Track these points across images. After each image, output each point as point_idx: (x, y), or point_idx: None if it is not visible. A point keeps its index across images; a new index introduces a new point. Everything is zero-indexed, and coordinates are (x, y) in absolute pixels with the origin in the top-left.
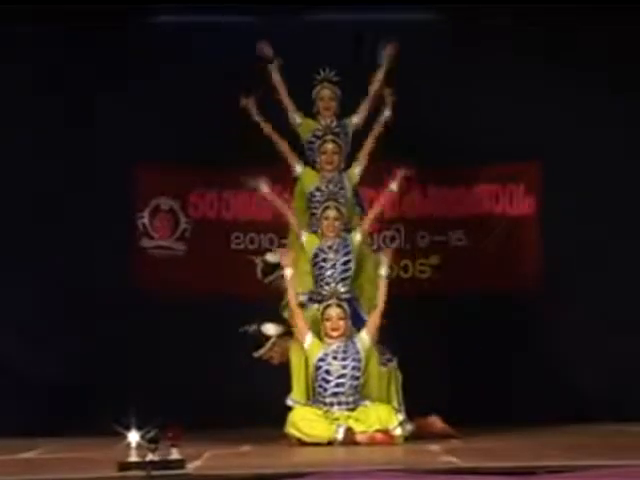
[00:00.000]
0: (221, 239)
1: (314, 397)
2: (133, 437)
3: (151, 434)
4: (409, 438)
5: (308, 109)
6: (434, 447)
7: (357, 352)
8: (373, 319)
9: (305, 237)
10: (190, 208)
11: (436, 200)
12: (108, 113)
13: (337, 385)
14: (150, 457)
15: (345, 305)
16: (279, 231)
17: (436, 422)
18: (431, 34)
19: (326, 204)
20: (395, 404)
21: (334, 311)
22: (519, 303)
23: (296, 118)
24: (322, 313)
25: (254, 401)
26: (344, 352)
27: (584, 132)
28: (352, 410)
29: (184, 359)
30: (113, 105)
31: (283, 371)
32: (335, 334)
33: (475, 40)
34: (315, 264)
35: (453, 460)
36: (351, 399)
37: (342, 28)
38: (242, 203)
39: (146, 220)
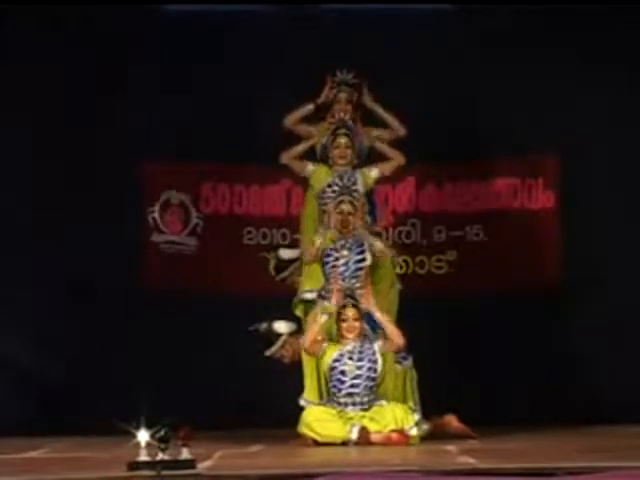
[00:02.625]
0: (233, 234)
1: (328, 397)
2: (143, 436)
3: (161, 433)
4: (425, 438)
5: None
6: (450, 447)
7: (374, 353)
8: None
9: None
10: (201, 203)
11: (453, 195)
12: (115, 107)
13: (352, 386)
14: (160, 457)
15: (361, 305)
16: (292, 226)
17: (452, 421)
18: (446, 25)
19: (340, 198)
20: (411, 404)
21: (350, 312)
22: (537, 299)
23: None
24: (337, 314)
25: (265, 401)
26: (360, 352)
27: (603, 126)
28: (367, 410)
29: (195, 356)
30: (120, 99)
31: (294, 370)
32: (351, 335)
33: (494, 32)
34: (326, 263)
35: (470, 461)
36: (366, 399)
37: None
38: (254, 197)
39: (157, 215)
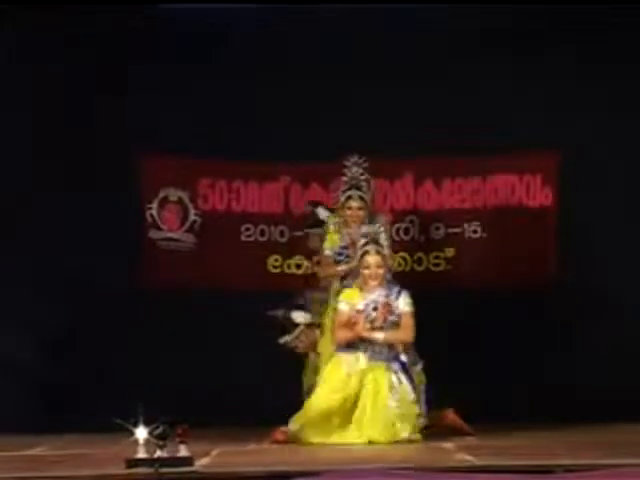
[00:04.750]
0: (231, 231)
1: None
2: (141, 434)
3: (159, 430)
4: (423, 430)
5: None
6: (448, 445)
7: (397, 307)
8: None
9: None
10: (199, 200)
11: (451, 192)
12: (115, 107)
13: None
14: (158, 454)
15: (384, 251)
16: (290, 223)
17: (450, 415)
18: (446, 25)
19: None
20: (417, 408)
21: (373, 259)
22: (536, 296)
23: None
24: (360, 260)
25: (264, 399)
26: (386, 302)
27: (602, 124)
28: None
29: (193, 354)
30: (120, 98)
31: (291, 368)
32: (374, 282)
33: (494, 33)
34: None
35: (468, 458)
36: (385, 352)
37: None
38: (252, 194)
39: (155, 211)
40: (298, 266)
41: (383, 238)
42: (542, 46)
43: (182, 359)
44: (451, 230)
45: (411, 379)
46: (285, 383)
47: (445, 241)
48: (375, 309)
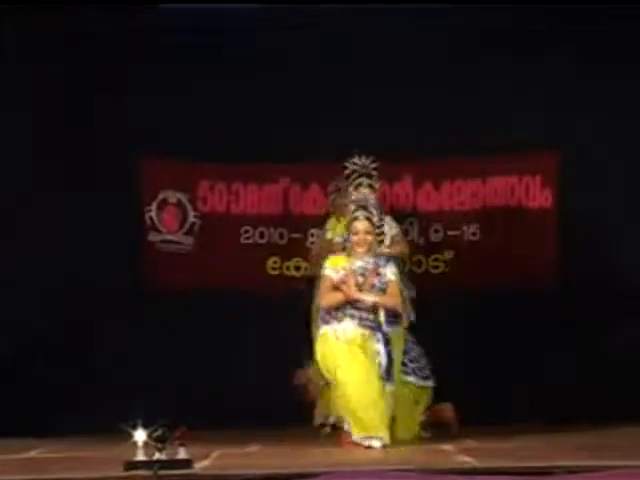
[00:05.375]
0: (230, 233)
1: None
2: (140, 436)
3: (159, 433)
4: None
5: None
6: (448, 447)
7: (385, 275)
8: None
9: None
10: (199, 202)
11: (450, 193)
12: (115, 107)
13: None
14: (157, 456)
15: (374, 218)
16: (289, 225)
17: (446, 410)
18: (446, 25)
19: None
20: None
21: (362, 224)
22: (535, 298)
23: None
24: (348, 225)
25: (263, 400)
26: (374, 268)
27: (602, 125)
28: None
29: (193, 354)
30: (120, 99)
31: (292, 368)
32: (361, 249)
33: (496, 30)
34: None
35: (468, 460)
36: (370, 320)
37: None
38: (251, 196)
39: (154, 213)
40: (297, 268)
41: (373, 205)
42: (542, 46)
43: (182, 359)
44: (450, 232)
45: (389, 355)
46: (285, 384)
47: (444, 243)
48: (363, 275)
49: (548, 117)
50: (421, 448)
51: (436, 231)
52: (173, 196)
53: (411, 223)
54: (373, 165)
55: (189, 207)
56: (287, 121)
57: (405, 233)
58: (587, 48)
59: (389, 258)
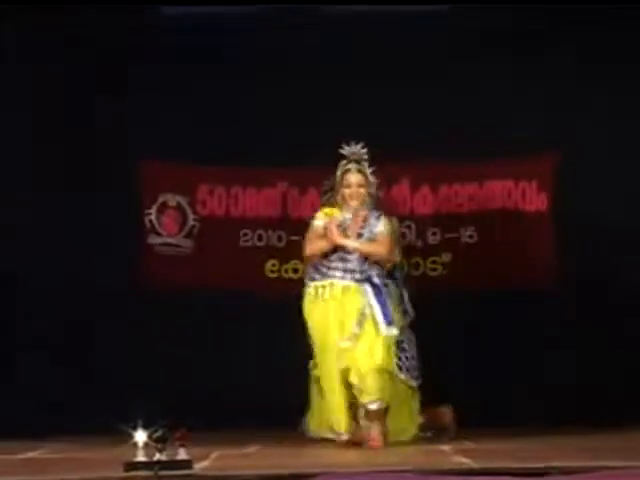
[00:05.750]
0: (230, 236)
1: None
2: (140, 437)
3: (159, 434)
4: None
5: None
6: (445, 448)
7: (375, 226)
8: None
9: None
10: (198, 205)
11: (448, 197)
12: (115, 108)
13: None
14: (158, 457)
15: (366, 170)
16: (288, 228)
17: (445, 414)
18: (446, 25)
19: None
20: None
21: (354, 177)
22: (531, 301)
23: None
24: (340, 179)
25: (263, 401)
26: (363, 223)
27: (599, 129)
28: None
29: (193, 356)
30: (120, 99)
31: (294, 372)
32: (354, 202)
33: (496, 30)
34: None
35: (465, 461)
36: (358, 268)
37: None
38: (250, 200)
39: (154, 217)
40: (295, 270)
41: (366, 159)
42: (542, 46)
43: (182, 359)
44: (447, 235)
45: (384, 304)
46: (285, 384)
47: (442, 246)
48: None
49: (548, 117)
50: (419, 449)
51: (434, 234)
52: (173, 199)
53: (408, 226)
54: (363, 151)
55: (189, 210)
56: (286, 121)
57: (403, 236)
58: (587, 48)
59: (381, 214)
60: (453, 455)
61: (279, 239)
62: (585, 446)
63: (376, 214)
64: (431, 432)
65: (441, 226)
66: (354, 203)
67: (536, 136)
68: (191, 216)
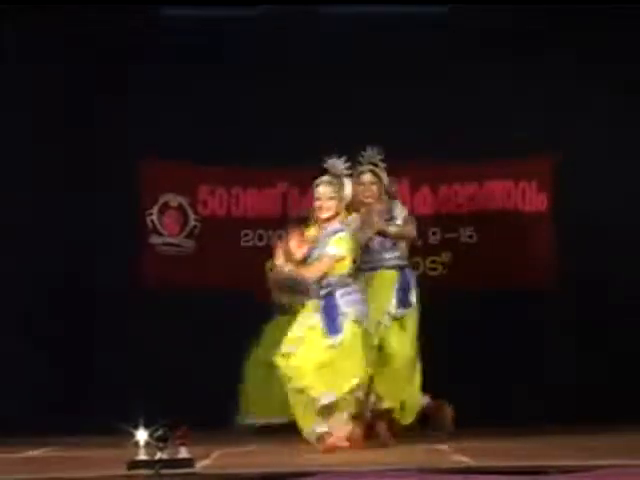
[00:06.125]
0: (230, 236)
1: None
2: (142, 436)
3: (160, 433)
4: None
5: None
6: (444, 446)
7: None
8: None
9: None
10: (199, 205)
11: (447, 197)
12: (115, 108)
13: None
14: (159, 456)
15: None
16: (288, 228)
17: (446, 408)
18: (446, 25)
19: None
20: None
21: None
22: (531, 301)
23: None
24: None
25: None
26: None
27: (598, 130)
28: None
29: (193, 356)
30: (120, 100)
31: None
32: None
33: (496, 30)
34: None
35: (464, 460)
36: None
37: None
38: (251, 200)
39: (155, 217)
40: None
41: (344, 172)
42: (542, 46)
43: (182, 359)
44: (447, 235)
45: (332, 319)
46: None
47: (442, 246)
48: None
49: (548, 117)
50: (418, 448)
51: (434, 234)
52: (174, 200)
53: None
54: (379, 156)
55: (190, 211)
56: (286, 121)
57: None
58: (587, 48)
59: (343, 230)
60: (453, 454)
61: (279, 239)
62: (585, 446)
63: (336, 231)
64: (430, 429)
65: (441, 226)
66: (324, 216)
67: (536, 136)
68: (192, 216)
